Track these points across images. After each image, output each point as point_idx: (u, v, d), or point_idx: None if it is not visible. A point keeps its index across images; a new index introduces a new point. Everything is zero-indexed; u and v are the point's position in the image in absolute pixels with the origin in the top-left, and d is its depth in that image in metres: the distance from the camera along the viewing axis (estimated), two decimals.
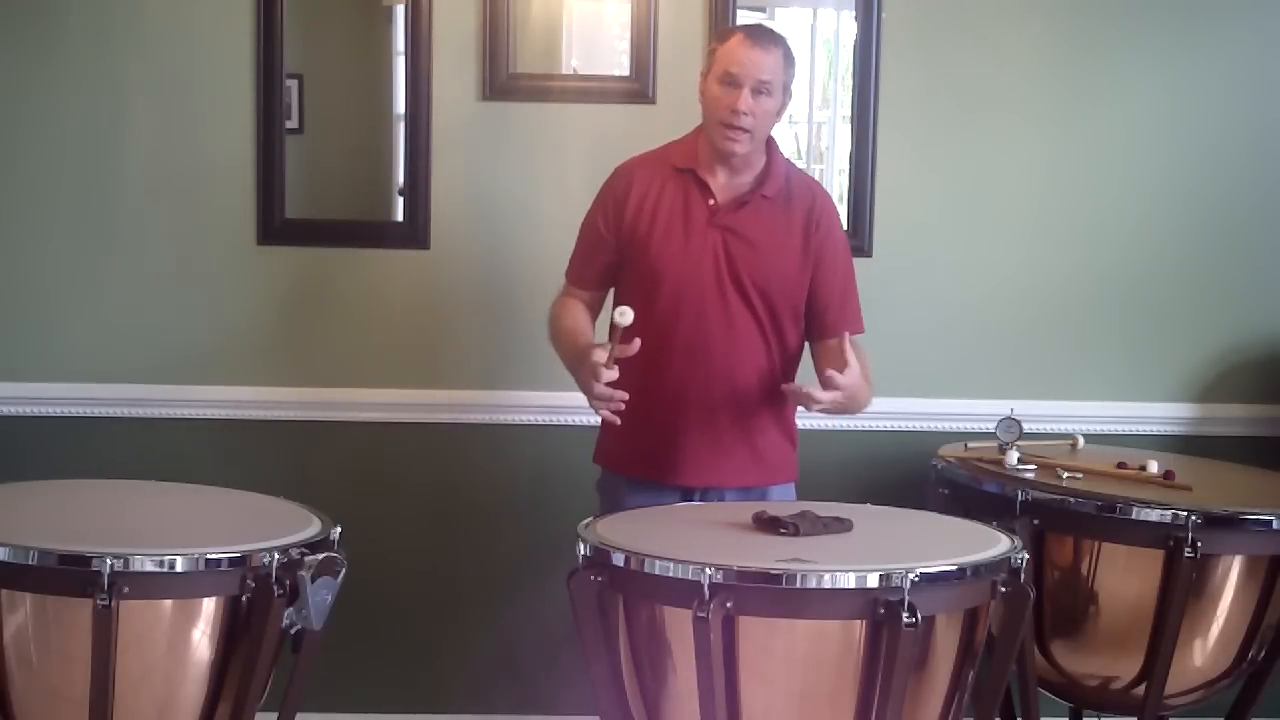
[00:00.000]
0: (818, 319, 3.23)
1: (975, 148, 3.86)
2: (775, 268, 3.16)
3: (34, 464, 3.59)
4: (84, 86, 3.72)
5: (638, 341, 2.93)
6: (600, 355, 2.93)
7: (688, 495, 3.18)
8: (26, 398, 3.77)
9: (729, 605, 2.47)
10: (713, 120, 3.11)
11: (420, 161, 3.77)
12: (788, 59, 3.12)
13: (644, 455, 3.18)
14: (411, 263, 3.81)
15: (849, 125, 3.85)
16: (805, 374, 3.22)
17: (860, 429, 3.84)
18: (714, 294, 3.13)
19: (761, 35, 3.12)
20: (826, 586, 2.48)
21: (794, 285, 3.18)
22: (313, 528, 2.80)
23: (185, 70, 3.74)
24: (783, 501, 3.10)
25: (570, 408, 3.25)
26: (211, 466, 3.52)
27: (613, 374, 2.93)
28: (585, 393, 3.02)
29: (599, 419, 3.10)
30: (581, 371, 3.03)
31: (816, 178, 3.68)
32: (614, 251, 3.21)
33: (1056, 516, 3.14)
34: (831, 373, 2.94)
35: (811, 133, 4.01)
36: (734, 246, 3.14)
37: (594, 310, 3.29)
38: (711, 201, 3.16)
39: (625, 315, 2.90)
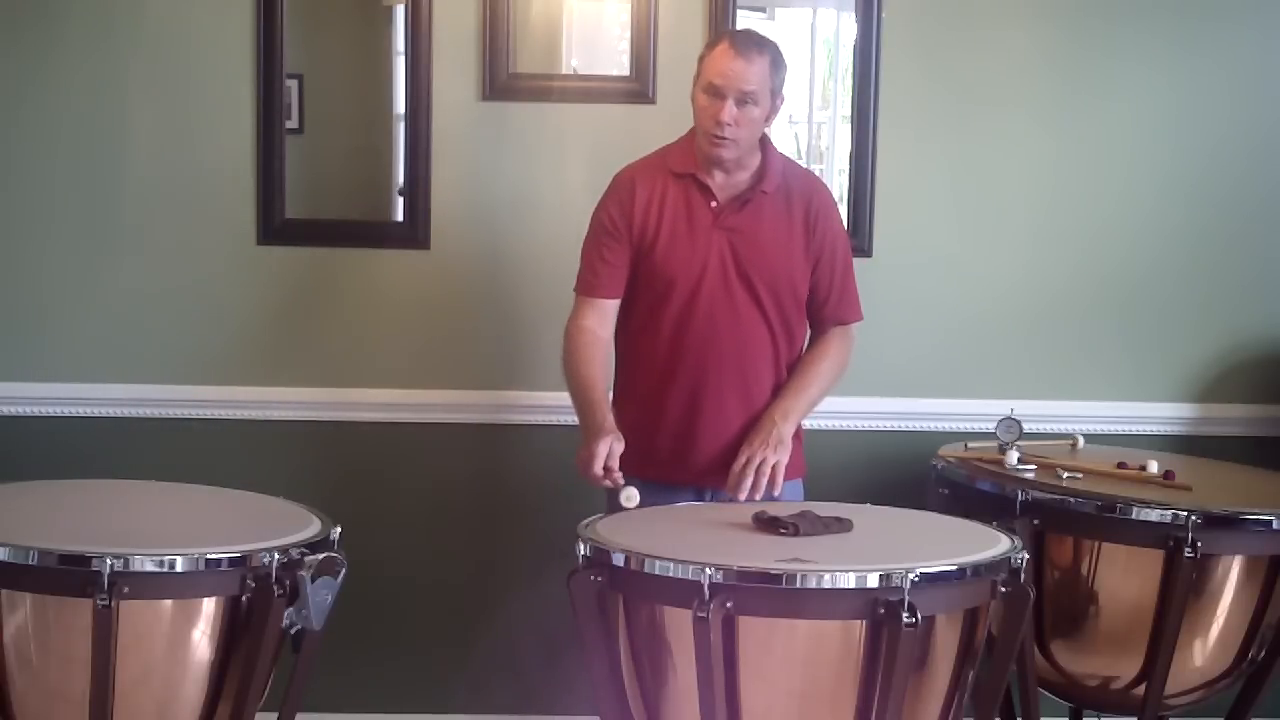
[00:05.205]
0: (817, 309, 3.26)
1: (975, 147, 3.85)
2: (781, 263, 3.17)
3: (34, 464, 3.58)
4: (84, 86, 3.72)
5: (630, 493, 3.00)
6: (600, 473, 3.00)
7: (700, 494, 3.18)
8: (26, 398, 3.77)
9: (729, 605, 2.47)
10: (700, 128, 3.13)
11: (420, 161, 3.77)
12: (775, 65, 3.10)
13: (656, 456, 3.17)
14: (411, 263, 3.81)
15: (849, 125, 3.85)
16: None
17: (860, 429, 3.84)
18: (722, 294, 3.15)
19: (746, 44, 3.08)
20: (826, 586, 2.48)
21: (799, 279, 3.20)
22: (313, 528, 2.81)
23: (185, 70, 3.74)
24: (787, 500, 3.11)
25: (570, 408, 3.24)
26: (211, 466, 3.51)
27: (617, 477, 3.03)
28: (583, 456, 3.06)
29: None
30: (587, 441, 3.05)
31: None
32: (628, 253, 3.17)
33: (1056, 516, 3.14)
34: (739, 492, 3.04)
35: (811, 133, 4.00)
36: (739, 246, 3.15)
37: (608, 328, 3.21)
38: (714, 203, 3.16)
39: (632, 500, 2.97)
